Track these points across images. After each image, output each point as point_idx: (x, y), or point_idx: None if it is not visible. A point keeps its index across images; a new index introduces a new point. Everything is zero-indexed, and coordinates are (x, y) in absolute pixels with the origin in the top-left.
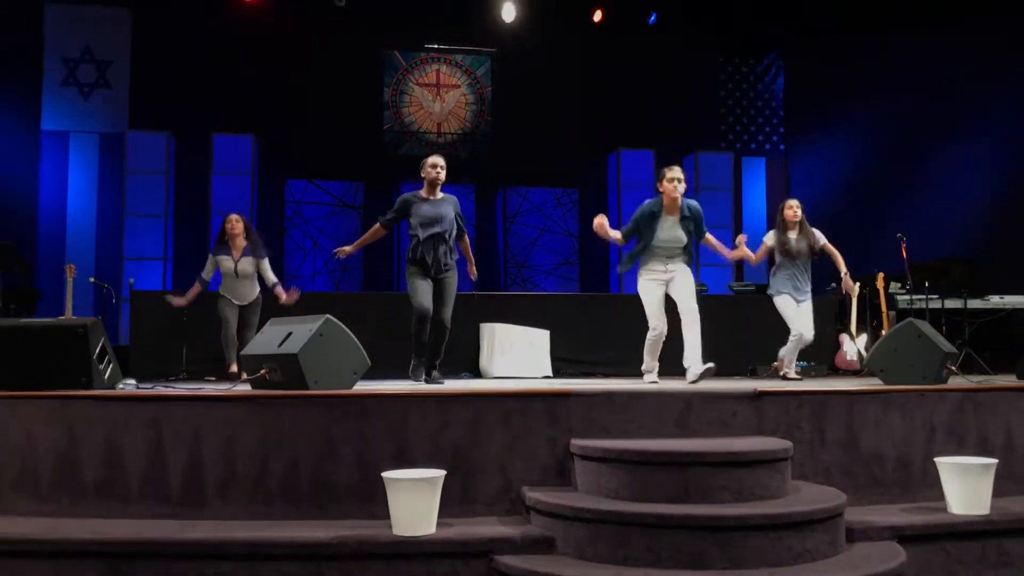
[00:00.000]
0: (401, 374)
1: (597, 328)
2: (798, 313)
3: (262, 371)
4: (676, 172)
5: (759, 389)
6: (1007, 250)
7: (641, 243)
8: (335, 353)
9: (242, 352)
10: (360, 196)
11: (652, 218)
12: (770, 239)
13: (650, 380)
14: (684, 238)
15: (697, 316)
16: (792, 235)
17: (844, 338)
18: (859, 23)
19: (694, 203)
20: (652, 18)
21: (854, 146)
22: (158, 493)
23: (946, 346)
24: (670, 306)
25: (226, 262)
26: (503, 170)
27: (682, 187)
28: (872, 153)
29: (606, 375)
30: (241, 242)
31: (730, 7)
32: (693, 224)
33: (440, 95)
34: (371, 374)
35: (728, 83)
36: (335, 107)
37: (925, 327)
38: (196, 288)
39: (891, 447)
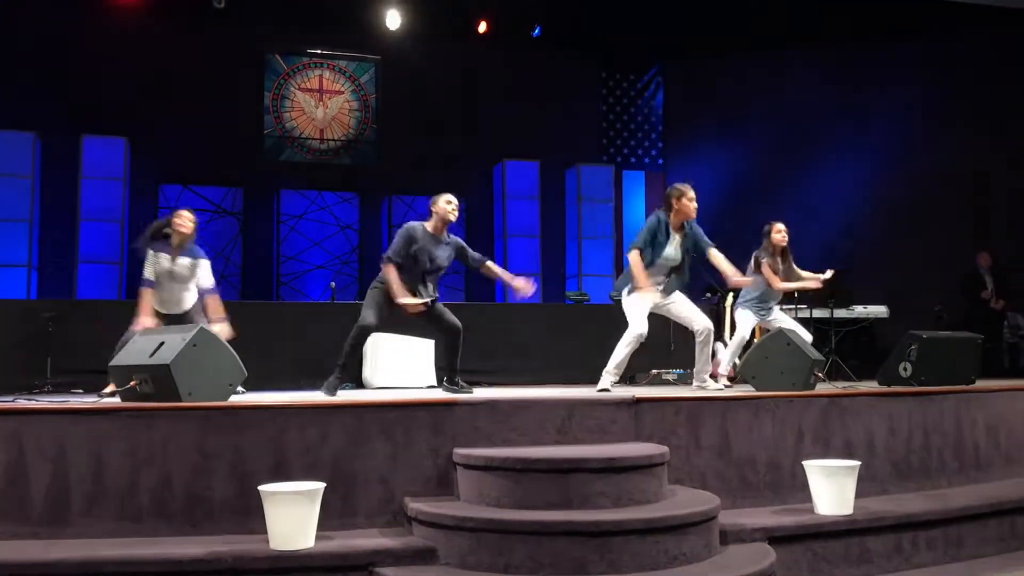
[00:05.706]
0: (280, 385)
1: (482, 338)
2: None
3: (132, 382)
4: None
5: (637, 396)
6: (870, 262)
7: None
8: (210, 364)
9: (111, 363)
10: (239, 202)
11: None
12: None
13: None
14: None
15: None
16: (779, 259)
17: (718, 346)
18: (735, 44)
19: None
20: (536, 31)
21: (729, 162)
22: (18, 512)
23: (813, 354)
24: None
25: (163, 260)
26: (388, 178)
27: None
28: (745, 169)
29: (491, 384)
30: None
31: (612, 24)
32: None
33: (323, 101)
34: (247, 385)
35: (609, 97)
36: (213, 111)
37: (794, 336)
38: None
39: (762, 451)
